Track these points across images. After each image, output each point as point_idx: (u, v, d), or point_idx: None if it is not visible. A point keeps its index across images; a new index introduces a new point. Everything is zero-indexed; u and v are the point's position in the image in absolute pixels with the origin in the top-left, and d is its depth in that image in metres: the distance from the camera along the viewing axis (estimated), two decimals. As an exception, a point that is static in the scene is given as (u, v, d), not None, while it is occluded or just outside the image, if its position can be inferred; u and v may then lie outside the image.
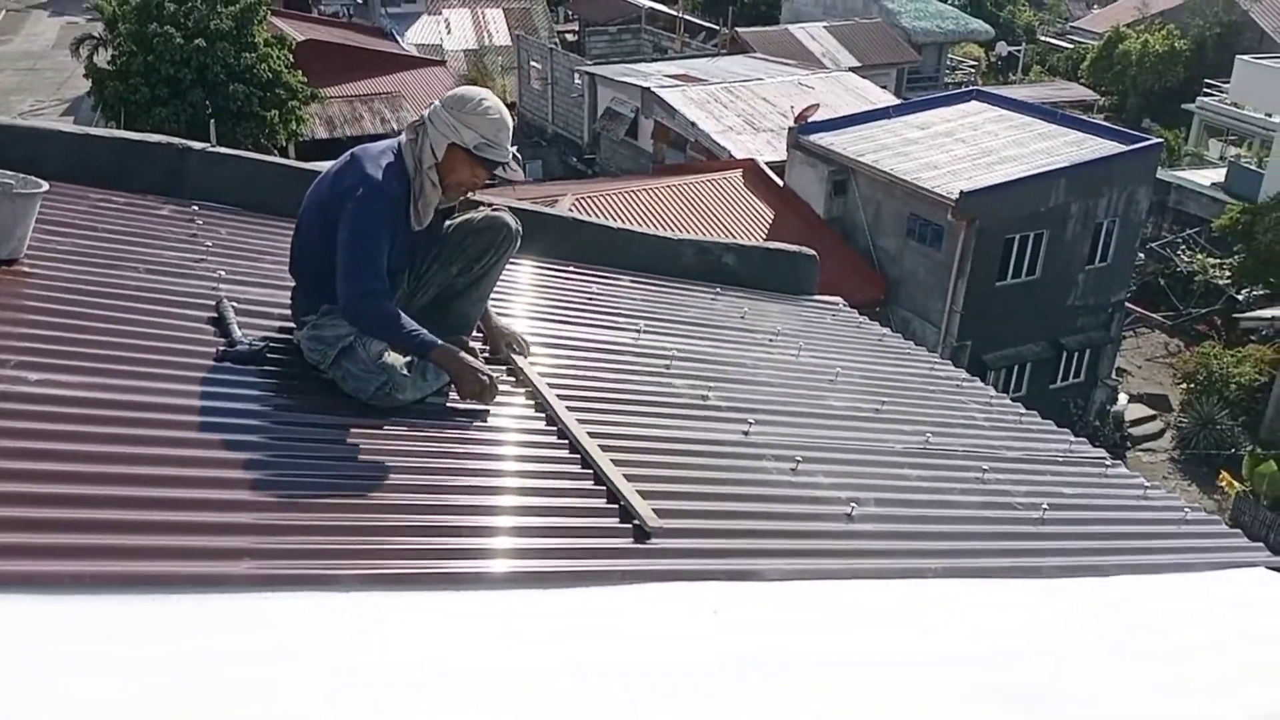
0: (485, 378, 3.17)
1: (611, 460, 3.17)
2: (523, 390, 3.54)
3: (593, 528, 2.84)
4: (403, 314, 3.14)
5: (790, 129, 21.88)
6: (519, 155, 3.33)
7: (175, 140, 4.41)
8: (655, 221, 19.75)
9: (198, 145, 4.42)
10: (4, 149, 3.89)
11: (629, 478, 3.08)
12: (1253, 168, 28.79)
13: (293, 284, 3.32)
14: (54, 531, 2.17)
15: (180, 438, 2.67)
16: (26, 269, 3.30)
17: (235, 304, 3.37)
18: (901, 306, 19.98)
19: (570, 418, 3.38)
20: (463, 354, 3.19)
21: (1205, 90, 34.14)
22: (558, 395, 3.51)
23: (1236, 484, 19.50)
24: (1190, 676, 3.04)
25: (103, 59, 23.50)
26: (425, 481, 2.81)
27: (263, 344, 3.12)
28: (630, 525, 2.87)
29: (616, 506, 2.95)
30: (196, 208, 4.23)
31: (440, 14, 39.73)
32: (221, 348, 3.09)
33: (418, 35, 38.30)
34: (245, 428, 2.79)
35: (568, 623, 2.43)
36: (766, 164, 22.34)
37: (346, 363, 3.08)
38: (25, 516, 2.19)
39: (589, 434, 3.31)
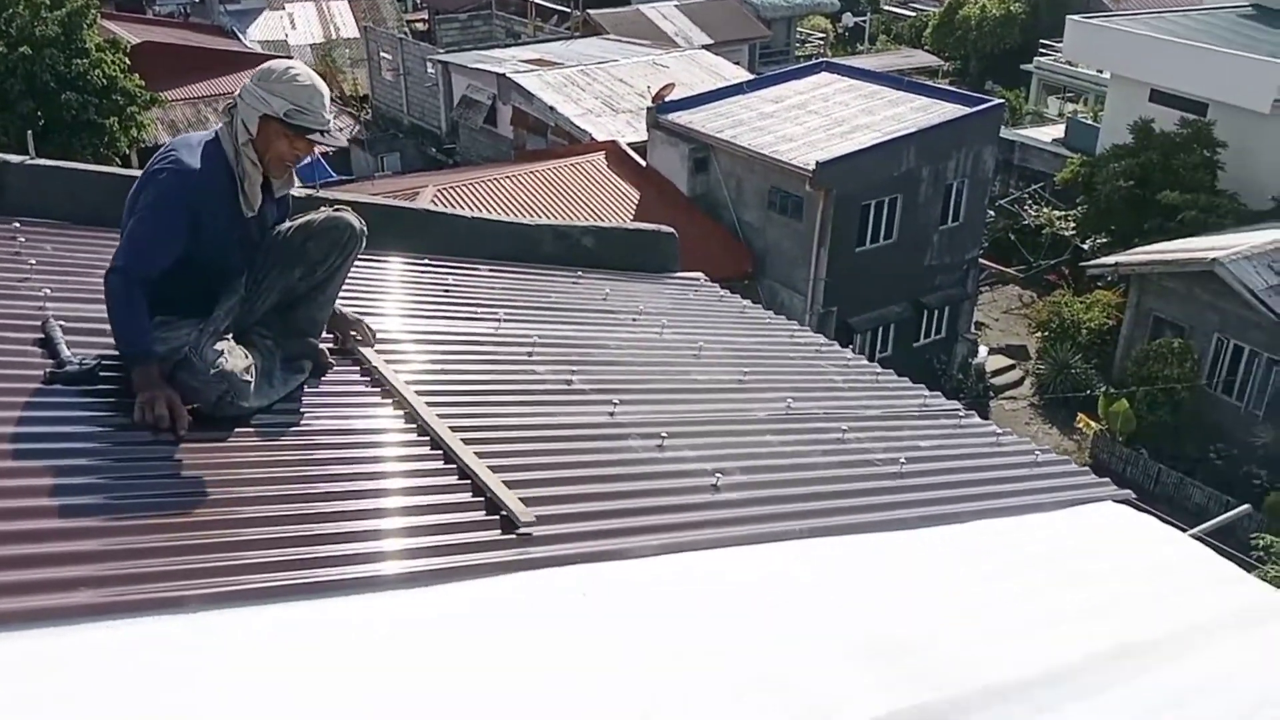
0: (155, 410, 2.83)
1: (475, 453, 3.14)
2: (378, 389, 3.47)
3: (460, 523, 2.81)
4: (139, 306, 2.94)
5: (649, 109, 22.00)
6: (331, 118, 3.22)
7: (-12, 154, 4.16)
8: (521, 208, 19.61)
9: (15, 159, 4.18)
10: None
11: (494, 469, 3.06)
12: (1089, 122, 30.22)
13: None
14: None
15: (9, 467, 2.53)
16: None
17: (64, 323, 3.20)
18: (769, 278, 20.36)
19: (430, 412, 3.33)
20: (156, 378, 2.91)
21: (1041, 51, 35.68)
22: (416, 390, 3.46)
23: (1093, 424, 20.58)
24: (1049, 611, 3.19)
25: (-83, 72, 22.02)
26: (279, 491, 2.73)
27: (94, 362, 2.97)
28: (498, 517, 2.85)
29: (483, 500, 2.92)
30: (18, 224, 4.00)
31: (282, 9, 38.52)
32: (50, 369, 2.93)
33: (260, 32, 37.09)
34: (80, 451, 2.66)
35: (436, 621, 2.40)
36: (628, 145, 22.42)
37: (183, 374, 2.96)
38: None
39: (450, 428, 3.27)
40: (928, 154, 20.11)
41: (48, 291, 3.39)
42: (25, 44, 21.02)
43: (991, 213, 26.04)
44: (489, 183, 20.70)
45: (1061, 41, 31.84)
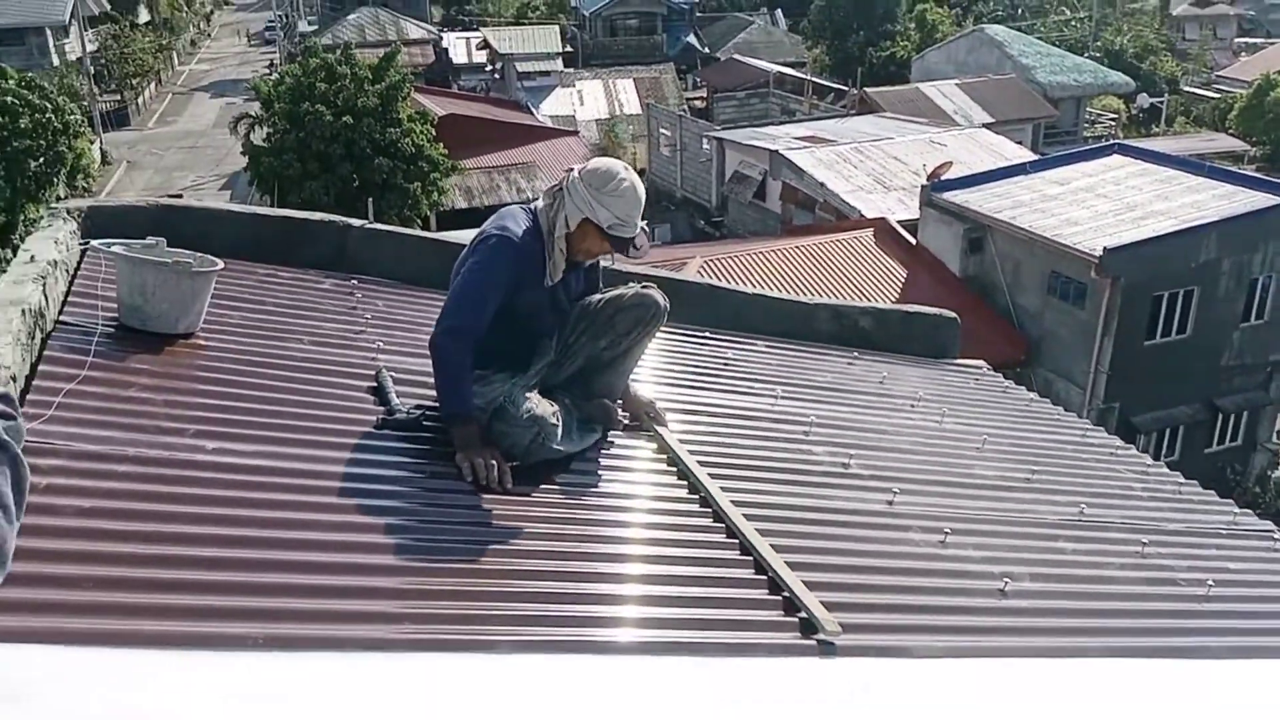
0: (481, 461, 3.03)
1: (758, 530, 3.15)
2: (664, 457, 3.57)
3: (758, 620, 2.74)
4: (467, 369, 3.15)
5: (923, 187, 21.63)
6: (646, 229, 3.40)
7: (337, 218, 4.67)
8: (785, 282, 19.72)
9: (357, 222, 4.66)
10: (180, 227, 4.18)
11: (777, 548, 3.03)
12: None
13: None
14: (223, 594, 2.29)
15: (343, 504, 2.79)
16: (202, 342, 3.53)
17: (393, 373, 3.52)
18: (1043, 367, 19.33)
19: (715, 486, 3.39)
20: (476, 435, 3.11)
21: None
22: (698, 461, 3.53)
23: None
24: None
25: (259, 137, 25.04)
26: (570, 549, 2.85)
27: (419, 411, 3.24)
28: (797, 619, 2.75)
29: (781, 599, 2.84)
30: (355, 281, 4.45)
31: (573, 86, 40.98)
32: (381, 416, 3.23)
33: (552, 107, 39.56)
34: (402, 494, 2.90)
35: (716, 694, 2.42)
36: (899, 222, 22.10)
37: (499, 423, 3.18)
38: (200, 579, 2.31)
39: (732, 502, 3.32)
40: (1230, 245, 18.57)
41: (380, 344, 3.74)
42: (349, 114, 23.46)
43: (1303, 311, 23.63)
44: (755, 255, 20.97)
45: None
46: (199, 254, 3.64)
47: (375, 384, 3.46)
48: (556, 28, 45.69)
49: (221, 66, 55.78)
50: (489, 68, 44.69)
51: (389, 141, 23.95)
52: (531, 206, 3.39)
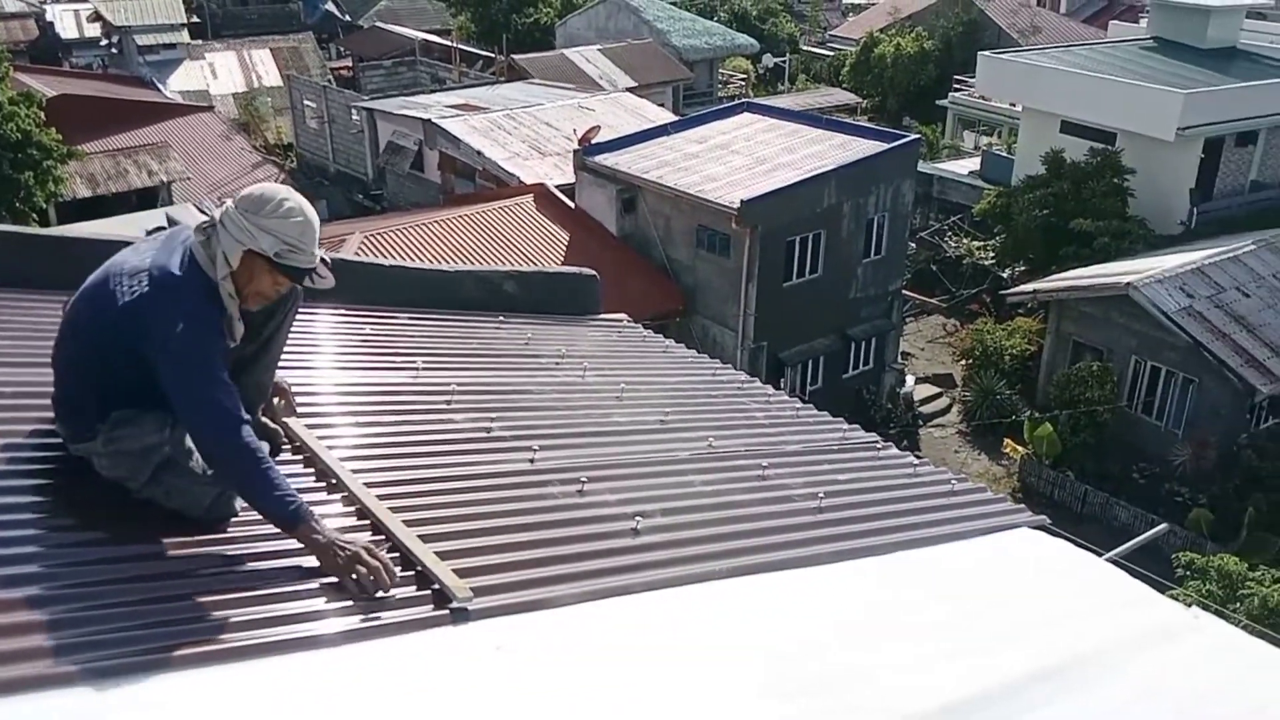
0: (370, 568, 2.66)
1: (389, 508, 3.10)
2: (290, 445, 3.42)
3: (389, 600, 2.67)
4: (269, 459, 2.71)
5: (575, 151, 22.17)
6: (327, 258, 2.98)
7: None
8: (450, 253, 19.56)
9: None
10: None
11: (423, 538, 2.97)
12: (1004, 155, 31.17)
13: (57, 390, 2.91)
14: None
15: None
16: None
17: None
18: (701, 314, 20.54)
19: (344, 468, 3.29)
20: (324, 530, 2.71)
21: (955, 86, 36.80)
22: (328, 446, 3.42)
23: (1020, 449, 21.00)
24: (966, 638, 3.24)
25: None
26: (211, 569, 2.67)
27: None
28: (430, 592, 2.73)
29: (414, 574, 2.80)
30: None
31: (203, 58, 38.21)
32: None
33: (181, 82, 36.74)
34: None
35: (359, 676, 2.36)
36: (556, 187, 22.53)
37: (171, 477, 2.74)
38: None
39: (365, 484, 3.24)
40: (849, 189, 20.54)
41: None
42: (-68, 99, 20.56)
43: (913, 245, 26.63)
44: (417, 228, 20.63)
45: (975, 77, 32.84)
46: None
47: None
48: (179, -4, 42.24)
49: None
50: (104, 42, 40.61)
51: (-12, 129, 21.25)
52: (185, 249, 2.79)
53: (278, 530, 2.75)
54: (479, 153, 24.61)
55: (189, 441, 2.76)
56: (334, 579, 2.66)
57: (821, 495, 3.95)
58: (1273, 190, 28.87)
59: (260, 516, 2.77)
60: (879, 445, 4.86)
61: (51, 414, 2.94)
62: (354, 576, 2.64)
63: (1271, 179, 28.96)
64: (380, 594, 2.64)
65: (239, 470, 2.68)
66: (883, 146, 21.56)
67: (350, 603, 2.61)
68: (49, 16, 42.61)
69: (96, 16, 40.64)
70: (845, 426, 5.01)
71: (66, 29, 41.75)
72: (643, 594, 3.05)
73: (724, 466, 4.13)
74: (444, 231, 20.64)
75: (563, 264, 17.92)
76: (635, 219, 21.28)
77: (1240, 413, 19.64)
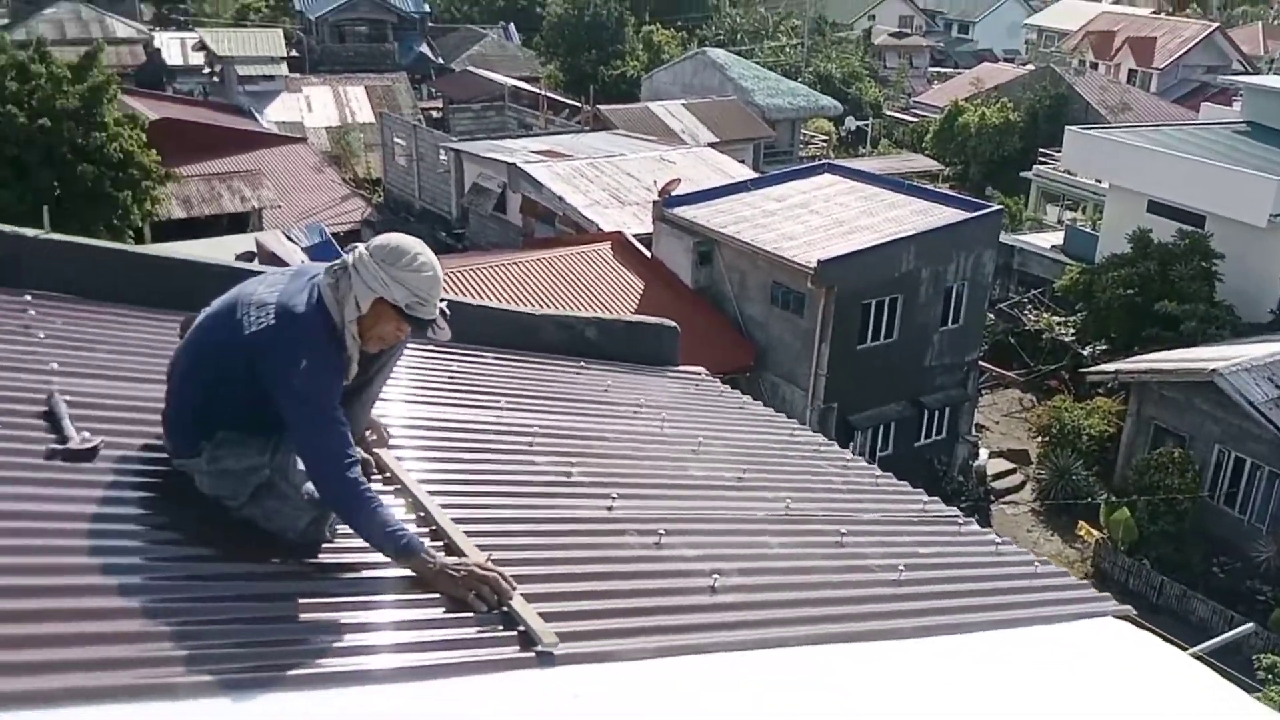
0: (487, 587, 2.75)
1: (477, 545, 3.10)
2: (382, 476, 3.46)
3: (477, 639, 2.69)
4: (375, 495, 2.81)
5: (655, 202, 22.37)
6: (446, 309, 3.05)
7: (6, 228, 4.21)
8: (527, 295, 19.80)
9: (31, 232, 4.23)
10: None
11: (498, 563, 2.97)
12: (1088, 230, 30.72)
13: (169, 406, 2.98)
14: None
15: (8, 545, 2.51)
16: None
17: (68, 397, 3.20)
18: (771, 372, 20.45)
19: (433, 503, 3.32)
20: (437, 558, 2.81)
21: (1040, 159, 36.44)
22: (419, 479, 3.45)
23: (1095, 532, 20.42)
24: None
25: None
26: (279, 582, 2.70)
27: (98, 441, 2.96)
28: (516, 633, 2.73)
29: (498, 614, 2.79)
30: (29, 297, 4.03)
31: (300, 91, 39.42)
32: (51, 445, 2.93)
33: (277, 113, 37.92)
34: (76, 532, 2.64)
35: (428, 714, 2.36)
36: (634, 236, 22.73)
37: (270, 500, 2.81)
38: None
39: (453, 519, 3.25)
40: (928, 256, 20.38)
41: (55, 366, 3.40)
42: (46, 116, 21.46)
43: (991, 316, 26.28)
44: (496, 268, 20.96)
45: (1060, 150, 32.50)
46: None
47: (46, 409, 3.13)
48: (280, 31, 43.77)
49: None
50: (206, 70, 42.19)
51: (94, 147, 22.11)
52: (314, 288, 2.88)
53: (376, 558, 2.79)
54: (560, 198, 24.96)
55: (289, 466, 2.82)
56: (454, 599, 2.74)
57: (902, 568, 3.87)
58: (1368, 283, 27.98)
59: (364, 543, 2.81)
60: (960, 520, 4.76)
61: (159, 429, 3.01)
62: (475, 594, 2.72)
63: (1367, 271, 28.08)
64: (504, 606, 2.75)
65: (350, 506, 2.77)
66: (964, 215, 21.41)
67: (442, 636, 2.62)
68: (156, 43, 44.42)
69: (201, 45, 42.30)
70: (925, 498, 4.92)
71: (172, 56, 43.45)
72: (718, 654, 3.00)
73: (801, 530, 4.07)
74: (523, 274, 20.92)
75: (636, 312, 18.01)
76: (710, 272, 21.35)
77: (1327, 512, 18.90)
